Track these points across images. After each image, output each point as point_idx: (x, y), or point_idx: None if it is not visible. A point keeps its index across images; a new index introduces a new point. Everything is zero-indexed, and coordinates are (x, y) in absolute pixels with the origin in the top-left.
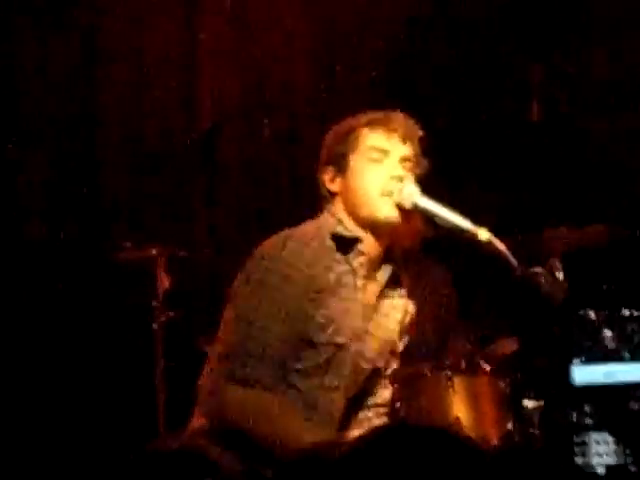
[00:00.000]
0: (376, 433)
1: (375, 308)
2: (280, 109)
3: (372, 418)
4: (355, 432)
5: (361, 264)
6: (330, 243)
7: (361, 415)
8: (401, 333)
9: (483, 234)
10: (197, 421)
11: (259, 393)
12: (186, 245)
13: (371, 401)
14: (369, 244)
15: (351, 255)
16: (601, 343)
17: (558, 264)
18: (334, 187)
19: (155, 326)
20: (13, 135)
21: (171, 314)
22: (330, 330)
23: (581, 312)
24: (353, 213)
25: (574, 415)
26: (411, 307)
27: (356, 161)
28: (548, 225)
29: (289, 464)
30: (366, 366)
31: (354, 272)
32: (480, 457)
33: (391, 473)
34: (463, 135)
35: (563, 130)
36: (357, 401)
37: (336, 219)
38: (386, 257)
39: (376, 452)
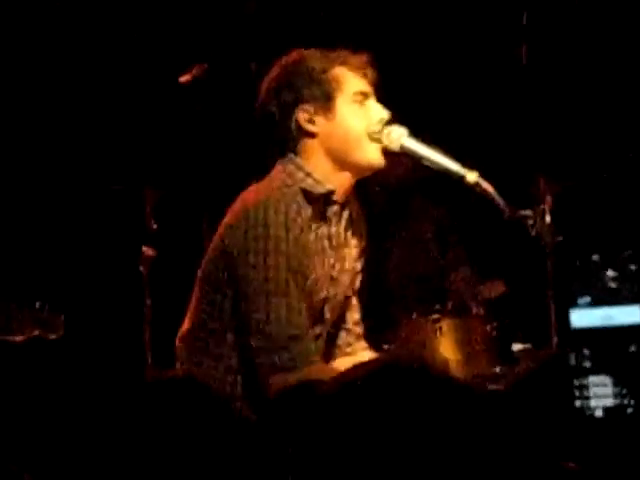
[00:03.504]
0: (367, 370)
1: (340, 246)
2: None
3: (352, 342)
4: (341, 360)
5: (334, 213)
6: (303, 201)
7: (340, 342)
8: (360, 257)
9: (471, 176)
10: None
11: (310, 370)
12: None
13: (345, 326)
14: (340, 188)
15: (326, 209)
16: (603, 285)
17: (547, 209)
18: (313, 128)
19: (142, 268)
20: None
21: (154, 254)
22: (316, 289)
23: (583, 255)
24: (335, 156)
25: (573, 358)
26: (362, 243)
27: (343, 103)
28: (534, 171)
29: (280, 399)
30: (340, 301)
31: (328, 223)
32: (472, 398)
33: (381, 410)
34: (451, 82)
35: (551, 73)
36: (333, 332)
37: (303, 172)
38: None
39: (367, 389)
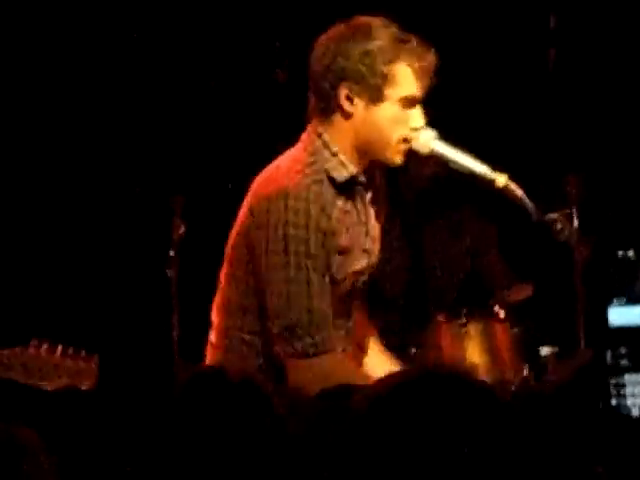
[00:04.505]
0: (398, 381)
1: (365, 222)
2: None
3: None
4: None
5: (358, 191)
6: (327, 181)
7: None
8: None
9: (500, 180)
10: None
11: (331, 357)
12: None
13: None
14: (362, 170)
15: (351, 189)
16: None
17: (574, 212)
18: (349, 107)
19: (170, 273)
20: None
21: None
22: (346, 265)
23: (620, 252)
24: (361, 143)
25: (609, 357)
26: (376, 223)
27: (390, 100)
28: (565, 173)
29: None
30: (365, 279)
31: (353, 200)
32: (497, 403)
33: (412, 420)
34: (478, 85)
35: (579, 76)
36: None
37: (330, 152)
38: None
39: (399, 401)
